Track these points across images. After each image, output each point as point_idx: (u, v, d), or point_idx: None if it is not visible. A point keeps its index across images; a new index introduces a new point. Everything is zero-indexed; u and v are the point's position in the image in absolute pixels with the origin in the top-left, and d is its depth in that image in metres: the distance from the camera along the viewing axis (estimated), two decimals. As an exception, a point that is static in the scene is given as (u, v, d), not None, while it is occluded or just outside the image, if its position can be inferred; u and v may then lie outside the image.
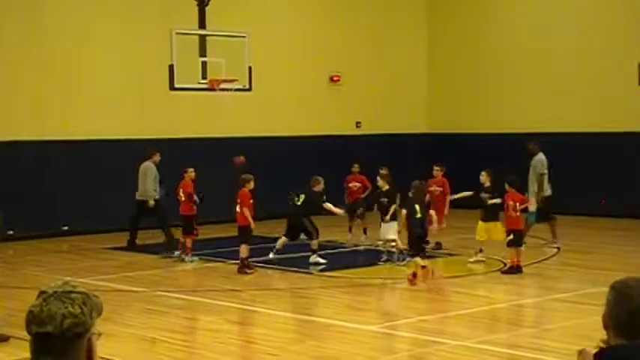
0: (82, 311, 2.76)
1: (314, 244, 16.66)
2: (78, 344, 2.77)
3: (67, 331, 2.73)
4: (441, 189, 18.16)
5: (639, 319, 3.19)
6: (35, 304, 2.78)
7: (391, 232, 16.29)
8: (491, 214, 16.37)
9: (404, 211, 15.15)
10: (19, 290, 14.19)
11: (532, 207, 17.42)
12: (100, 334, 2.85)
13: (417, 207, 14.86)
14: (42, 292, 2.81)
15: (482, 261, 16.39)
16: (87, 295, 2.82)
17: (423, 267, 14.75)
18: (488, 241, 16.29)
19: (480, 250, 16.48)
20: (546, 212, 17.99)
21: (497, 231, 16.20)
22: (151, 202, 18.51)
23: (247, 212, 15.87)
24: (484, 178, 16.73)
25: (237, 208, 16.04)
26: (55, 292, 2.79)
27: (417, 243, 14.86)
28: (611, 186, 23.15)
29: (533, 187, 17.97)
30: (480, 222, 16.50)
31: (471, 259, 16.48)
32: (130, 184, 21.83)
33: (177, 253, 17.39)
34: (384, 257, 16.55)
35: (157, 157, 18.85)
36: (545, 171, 18.20)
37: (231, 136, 23.08)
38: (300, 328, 11.73)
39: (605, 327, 3.26)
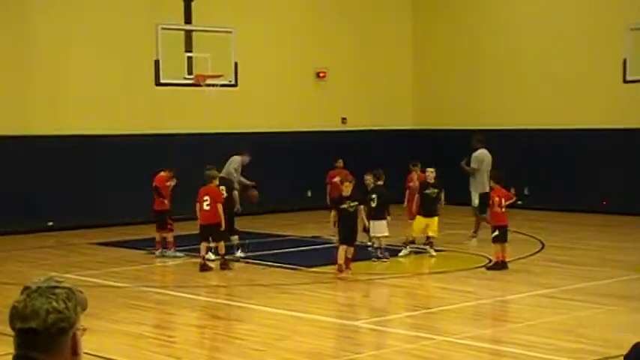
0: (67, 306, 2.74)
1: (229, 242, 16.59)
2: (62, 340, 2.75)
3: (51, 326, 2.71)
4: (412, 184, 18.33)
5: None
6: (19, 299, 2.76)
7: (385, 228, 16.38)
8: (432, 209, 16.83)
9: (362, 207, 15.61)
10: (4, 286, 14.14)
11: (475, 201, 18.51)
12: (84, 330, 2.84)
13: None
14: (26, 288, 2.79)
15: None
16: (71, 290, 2.80)
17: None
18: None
19: (412, 242, 17.09)
20: (481, 208, 18.48)
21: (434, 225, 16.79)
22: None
23: (221, 209, 15.68)
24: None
25: (206, 206, 15.67)
26: (39, 287, 2.77)
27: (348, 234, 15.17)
28: (595, 182, 23.24)
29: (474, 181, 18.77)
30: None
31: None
32: (115, 179, 21.81)
33: (158, 252, 17.24)
34: (386, 254, 16.47)
35: (247, 158, 18.41)
36: (475, 167, 18.65)
37: (216, 132, 23.06)
38: (285, 324, 11.73)
39: None
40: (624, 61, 21.36)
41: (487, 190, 18.13)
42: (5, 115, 20.59)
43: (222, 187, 16.45)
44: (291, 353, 10.16)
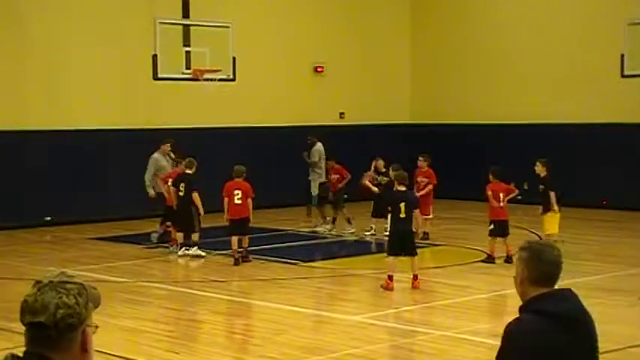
0: (77, 302, 2.74)
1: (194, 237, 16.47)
2: (72, 336, 2.74)
3: (60, 321, 2.71)
4: (428, 180, 18.12)
5: (555, 270, 3.90)
6: (30, 293, 2.76)
7: None
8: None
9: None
10: (2, 281, 14.14)
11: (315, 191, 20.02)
12: (96, 327, 2.83)
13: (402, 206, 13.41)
14: (37, 282, 2.78)
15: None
16: (83, 286, 2.79)
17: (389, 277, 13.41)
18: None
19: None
20: (323, 197, 19.79)
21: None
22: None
23: (251, 203, 15.80)
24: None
25: (237, 200, 15.77)
26: (51, 281, 2.77)
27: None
28: (592, 176, 23.23)
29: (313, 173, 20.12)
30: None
31: None
32: (113, 174, 21.80)
33: (172, 248, 17.22)
34: None
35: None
36: (316, 159, 20.16)
37: (214, 126, 23.05)
38: (283, 319, 11.74)
39: (521, 283, 3.85)
40: (622, 56, 21.37)
41: (324, 179, 19.89)
42: (2, 109, 20.55)
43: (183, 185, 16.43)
44: (289, 348, 10.18)
